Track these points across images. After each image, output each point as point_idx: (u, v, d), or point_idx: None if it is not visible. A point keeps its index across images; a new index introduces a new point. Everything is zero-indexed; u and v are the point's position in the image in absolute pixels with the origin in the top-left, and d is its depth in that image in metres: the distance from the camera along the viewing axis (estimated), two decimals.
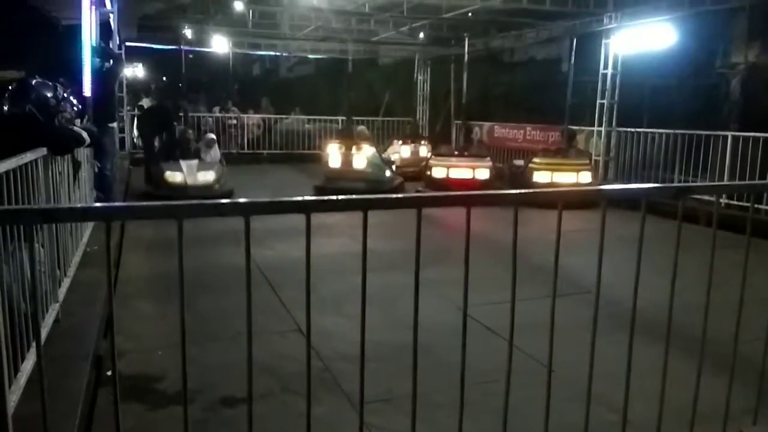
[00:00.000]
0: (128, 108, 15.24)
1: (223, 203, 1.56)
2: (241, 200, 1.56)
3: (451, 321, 4.44)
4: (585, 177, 9.77)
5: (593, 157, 11.02)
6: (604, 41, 10.61)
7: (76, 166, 5.11)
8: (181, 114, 13.40)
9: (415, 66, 17.75)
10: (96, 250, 5.31)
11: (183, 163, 10.12)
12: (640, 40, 9.97)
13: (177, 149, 10.62)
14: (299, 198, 1.62)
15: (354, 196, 1.73)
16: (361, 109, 18.69)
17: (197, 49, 17.06)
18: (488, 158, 10.54)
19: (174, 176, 9.92)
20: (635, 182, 10.30)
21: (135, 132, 16.30)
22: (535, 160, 10.03)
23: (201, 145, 11.18)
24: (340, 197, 1.65)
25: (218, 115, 16.65)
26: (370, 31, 14.14)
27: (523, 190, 2.07)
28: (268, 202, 1.63)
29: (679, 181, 9.51)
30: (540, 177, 9.64)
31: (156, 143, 11.71)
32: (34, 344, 3.12)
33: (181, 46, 13.88)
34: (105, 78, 7.51)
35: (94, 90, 7.09)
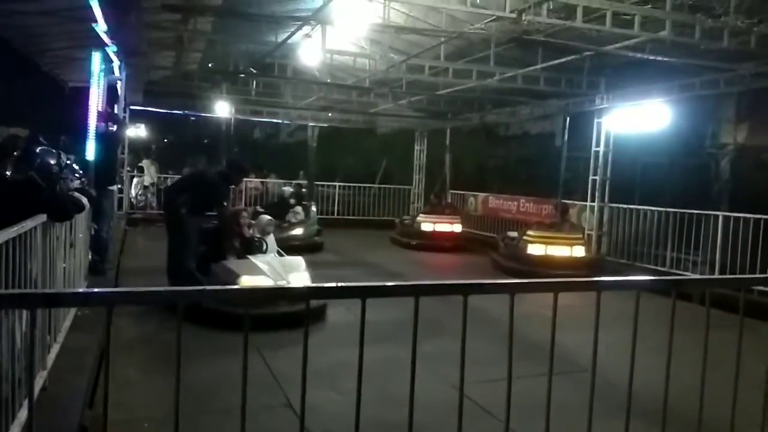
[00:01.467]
0: (128, 169, 15.39)
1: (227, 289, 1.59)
2: (246, 286, 1.60)
3: (446, 399, 4.40)
4: (578, 251, 9.86)
5: (586, 231, 11.14)
6: (596, 120, 10.94)
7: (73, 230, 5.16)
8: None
9: (413, 136, 18.15)
10: (87, 314, 5.27)
11: (259, 261, 6.76)
12: (632, 121, 10.28)
13: (233, 239, 7.01)
14: (302, 286, 1.65)
15: (352, 284, 1.76)
16: (358, 175, 18.99)
17: (200, 114, 17.48)
18: (458, 217, 13.85)
19: (256, 281, 6.39)
20: (627, 258, 10.38)
21: (132, 191, 16.46)
22: (530, 232, 10.15)
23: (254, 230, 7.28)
24: (339, 284, 1.69)
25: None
26: (370, 102, 14.55)
27: (519, 281, 2.10)
28: (268, 289, 1.66)
29: (672, 258, 9.60)
30: (534, 249, 9.75)
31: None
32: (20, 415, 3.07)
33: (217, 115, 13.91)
34: (108, 142, 7.66)
35: (96, 154, 7.22)
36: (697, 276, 8.28)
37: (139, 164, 17.20)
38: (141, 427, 3.92)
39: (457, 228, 13.49)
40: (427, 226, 13.22)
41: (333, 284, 1.71)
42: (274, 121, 18.59)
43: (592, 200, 11.11)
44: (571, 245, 9.87)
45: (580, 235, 10.31)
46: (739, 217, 8.54)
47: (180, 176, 12.12)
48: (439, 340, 4.99)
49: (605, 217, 10.99)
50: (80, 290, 1.40)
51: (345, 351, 5.04)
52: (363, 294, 1.73)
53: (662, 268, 9.64)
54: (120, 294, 1.44)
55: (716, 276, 8.01)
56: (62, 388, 3.83)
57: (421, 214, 13.90)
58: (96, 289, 1.48)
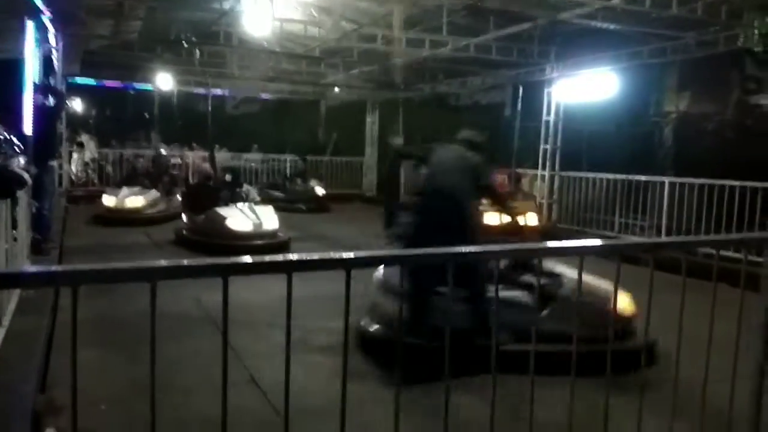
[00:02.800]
0: (67, 144, 14.71)
1: (201, 265, 1.49)
2: (220, 261, 1.50)
3: None
4: (532, 219, 10.01)
5: (537, 200, 11.32)
6: (546, 90, 11.05)
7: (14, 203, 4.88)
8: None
9: (364, 108, 17.96)
10: (34, 295, 5.01)
11: (242, 208, 9.32)
12: (581, 90, 10.43)
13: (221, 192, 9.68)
14: (281, 258, 1.56)
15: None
16: (308, 148, 18.72)
17: (141, 86, 16.79)
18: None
19: (239, 224, 9.02)
20: (578, 224, 10.61)
21: (73, 167, 15.78)
22: (484, 202, 10.14)
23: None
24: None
25: (163, 152, 16.28)
26: (320, 73, 14.27)
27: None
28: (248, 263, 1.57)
29: (620, 223, 9.87)
30: (490, 219, 9.81)
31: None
32: None
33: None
34: (46, 115, 7.24)
35: (35, 128, 6.82)
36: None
37: (79, 139, 16.48)
38: (98, 409, 3.76)
39: None
40: None
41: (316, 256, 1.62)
42: (220, 92, 18.05)
43: (543, 169, 11.26)
44: (524, 213, 10.01)
45: (534, 204, 10.45)
46: (684, 182, 8.82)
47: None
48: None
49: (556, 185, 11.18)
50: (42, 268, 1.24)
51: (306, 322, 4.98)
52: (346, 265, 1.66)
53: (611, 233, 9.91)
54: (87, 272, 1.32)
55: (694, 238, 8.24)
56: (12, 374, 3.63)
57: None
58: (61, 267, 1.35)
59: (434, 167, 5.09)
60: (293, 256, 1.64)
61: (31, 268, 1.37)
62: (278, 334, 5.14)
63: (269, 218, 9.29)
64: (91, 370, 4.39)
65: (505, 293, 4.12)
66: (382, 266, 4.45)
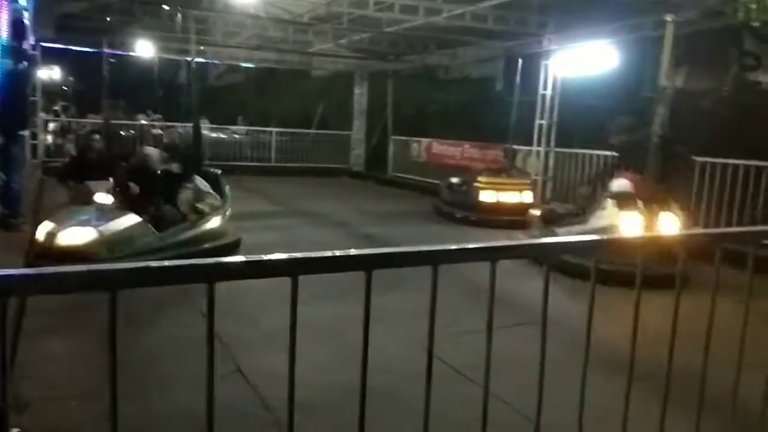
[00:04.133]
0: (42, 114, 14.07)
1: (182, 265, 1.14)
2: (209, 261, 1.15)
3: (413, 359, 4.10)
4: (528, 196, 9.79)
5: (532, 177, 11.02)
6: (543, 62, 10.65)
7: None
8: None
9: (351, 79, 17.44)
10: None
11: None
12: (579, 63, 10.06)
13: None
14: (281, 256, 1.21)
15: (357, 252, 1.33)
16: (294, 121, 18.24)
17: (120, 52, 16.09)
18: None
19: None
20: (572, 202, 10.31)
21: (49, 138, 15.17)
22: (481, 179, 9.91)
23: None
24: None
25: (144, 122, 15.74)
26: (307, 42, 13.73)
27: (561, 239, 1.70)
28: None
29: None
30: (486, 196, 9.59)
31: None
32: None
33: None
34: (16, 81, 6.73)
35: (3, 95, 6.32)
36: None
37: (54, 108, 15.85)
38: (68, 405, 3.41)
39: None
40: None
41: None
42: (203, 60, 17.41)
43: (538, 145, 10.93)
44: (521, 191, 9.78)
45: (528, 181, 10.21)
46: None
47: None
48: (401, 294, 4.68)
49: (551, 162, 10.87)
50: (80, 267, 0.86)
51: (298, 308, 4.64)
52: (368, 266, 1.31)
53: None
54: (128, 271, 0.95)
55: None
56: None
57: None
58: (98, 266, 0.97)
59: None
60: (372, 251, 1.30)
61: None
62: (265, 319, 4.84)
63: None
64: (62, 361, 4.05)
65: None
66: None
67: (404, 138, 15.55)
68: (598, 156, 10.03)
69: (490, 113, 14.70)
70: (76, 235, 5.62)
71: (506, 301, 4.99)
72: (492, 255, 1.48)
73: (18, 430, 3.06)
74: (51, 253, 5.29)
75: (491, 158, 12.40)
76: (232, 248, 6.59)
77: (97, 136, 9.34)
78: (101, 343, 4.09)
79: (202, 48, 14.97)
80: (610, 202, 6.74)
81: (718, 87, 11.31)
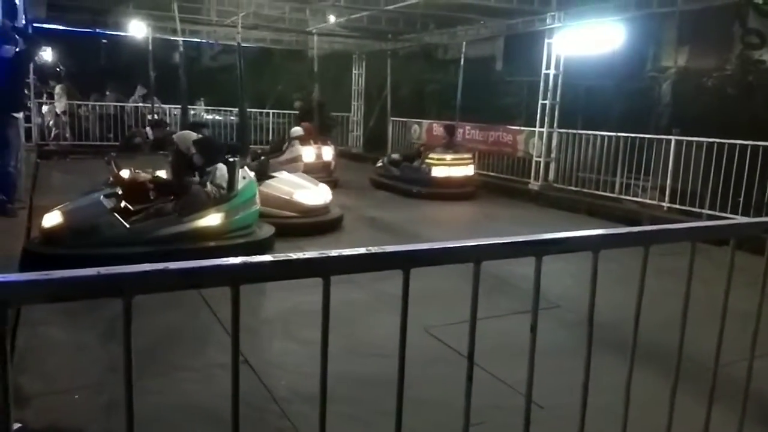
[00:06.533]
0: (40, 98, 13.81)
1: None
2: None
3: (420, 345, 3.99)
4: (470, 170, 10.81)
5: (534, 158, 10.89)
6: (547, 41, 10.44)
7: None
8: None
9: (348, 60, 17.16)
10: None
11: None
12: (583, 42, 9.87)
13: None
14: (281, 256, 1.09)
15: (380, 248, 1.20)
16: (290, 102, 17.96)
17: (113, 33, 15.77)
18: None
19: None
20: (576, 185, 10.19)
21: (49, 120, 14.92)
22: (433, 156, 10.60)
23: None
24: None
25: (140, 104, 15.49)
26: (304, 20, 13.47)
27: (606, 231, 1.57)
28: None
29: (621, 183, 9.48)
30: (439, 172, 10.42)
31: None
32: None
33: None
34: (13, 62, 6.52)
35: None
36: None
37: (50, 90, 15.59)
38: (71, 399, 3.31)
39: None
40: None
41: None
42: (197, 40, 17.12)
43: (541, 126, 10.77)
44: (466, 165, 10.73)
45: (471, 156, 10.99)
46: (692, 141, 8.42)
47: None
48: (397, 279, 4.57)
49: (554, 143, 10.72)
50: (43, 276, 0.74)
51: (294, 295, 4.54)
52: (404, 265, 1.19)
53: (612, 194, 9.54)
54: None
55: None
56: None
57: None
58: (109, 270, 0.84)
59: None
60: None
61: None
62: (263, 306, 4.72)
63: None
64: (64, 352, 3.94)
65: None
66: None
67: (404, 119, 15.34)
68: (603, 137, 9.86)
69: (489, 93, 14.53)
70: None
71: (511, 285, 4.89)
72: (537, 250, 1.36)
73: (20, 425, 2.96)
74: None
75: (493, 140, 12.27)
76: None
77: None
78: (102, 334, 3.93)
79: (196, 26, 14.71)
80: (296, 141, 10.84)
81: (721, 65, 11.13)
